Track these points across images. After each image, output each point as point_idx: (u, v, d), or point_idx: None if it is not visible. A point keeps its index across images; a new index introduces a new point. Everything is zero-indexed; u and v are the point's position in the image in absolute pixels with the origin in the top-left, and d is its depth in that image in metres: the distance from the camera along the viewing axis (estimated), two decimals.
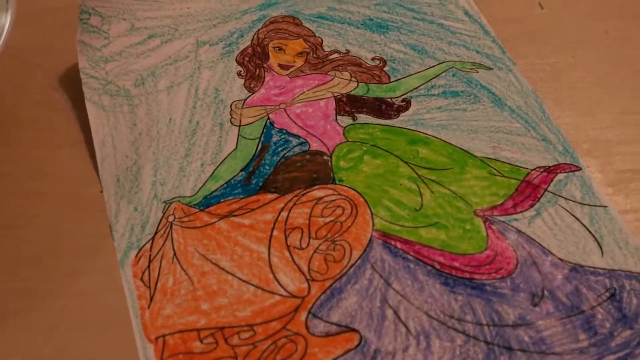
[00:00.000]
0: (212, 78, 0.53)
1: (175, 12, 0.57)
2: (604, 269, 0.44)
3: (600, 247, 0.44)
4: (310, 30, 0.57)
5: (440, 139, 0.50)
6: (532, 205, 0.46)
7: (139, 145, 0.50)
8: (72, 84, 0.53)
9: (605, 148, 0.50)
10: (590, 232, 0.45)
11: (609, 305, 0.42)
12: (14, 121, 0.52)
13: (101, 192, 0.47)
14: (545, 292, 0.42)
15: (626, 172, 0.49)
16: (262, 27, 0.57)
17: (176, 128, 0.51)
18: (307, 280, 0.43)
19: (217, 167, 0.48)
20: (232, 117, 0.51)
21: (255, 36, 0.56)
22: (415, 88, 0.53)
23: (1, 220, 0.46)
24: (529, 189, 0.47)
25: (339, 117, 0.51)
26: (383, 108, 0.52)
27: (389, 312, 0.42)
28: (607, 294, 0.42)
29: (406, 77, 0.54)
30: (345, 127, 0.51)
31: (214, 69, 0.54)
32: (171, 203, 0.47)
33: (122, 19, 0.56)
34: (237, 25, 0.57)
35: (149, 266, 0.44)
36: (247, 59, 0.55)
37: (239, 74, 0.54)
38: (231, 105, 0.52)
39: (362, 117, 0.51)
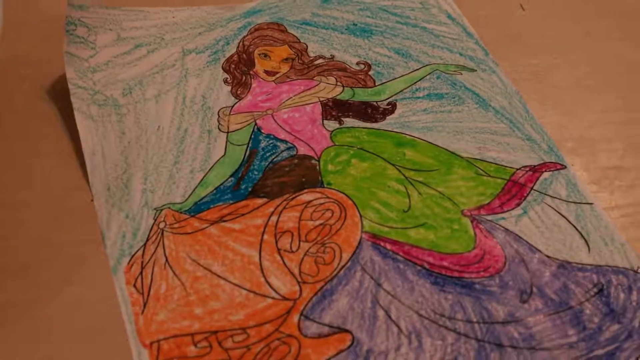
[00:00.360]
0: (199, 86, 0.54)
1: (160, 21, 0.58)
2: (591, 265, 0.44)
3: (587, 244, 0.45)
4: (295, 36, 0.58)
5: (426, 140, 0.51)
6: (518, 204, 0.47)
7: (128, 154, 0.50)
8: (59, 94, 0.53)
9: (589, 146, 0.51)
10: (576, 229, 0.46)
11: (597, 300, 0.43)
12: (0, 132, 0.52)
13: (91, 200, 0.48)
14: (534, 289, 0.43)
15: (610, 170, 0.49)
16: (247, 35, 0.58)
17: (165, 136, 0.51)
18: (299, 282, 0.43)
19: (207, 174, 0.49)
20: (220, 123, 0.52)
21: (241, 43, 0.57)
22: (400, 91, 0.54)
23: None
24: (515, 188, 0.48)
25: (325, 122, 0.52)
26: (369, 112, 0.52)
27: (381, 312, 0.42)
28: (595, 290, 0.43)
29: (391, 80, 0.54)
30: (332, 131, 0.51)
31: (201, 76, 0.54)
32: (162, 210, 0.47)
33: (108, 30, 0.56)
34: (223, 33, 0.58)
35: (141, 273, 0.44)
36: (233, 66, 0.55)
37: (225, 81, 0.54)
38: (219, 112, 0.52)
39: (349, 121, 0.52)
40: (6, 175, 0.49)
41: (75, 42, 0.54)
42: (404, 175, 0.48)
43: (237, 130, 0.51)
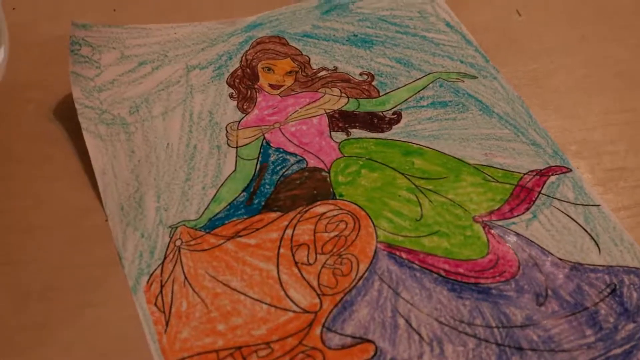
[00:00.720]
0: (205, 101, 0.54)
1: (163, 38, 0.58)
2: (602, 265, 0.45)
3: (597, 245, 0.46)
4: (297, 49, 0.58)
5: (433, 148, 0.51)
6: (528, 209, 0.48)
7: (139, 172, 0.50)
8: (66, 115, 0.53)
9: (593, 148, 0.52)
10: (586, 231, 0.47)
11: (611, 300, 0.44)
12: (9, 156, 0.52)
13: (106, 220, 0.48)
14: (549, 292, 0.44)
15: (615, 171, 0.50)
16: (249, 49, 0.58)
17: (174, 153, 0.51)
18: (318, 295, 0.44)
19: (219, 189, 0.49)
20: (228, 139, 0.52)
21: (244, 58, 0.57)
22: (404, 100, 0.54)
23: (4, 256, 0.47)
24: (524, 193, 0.49)
25: (333, 133, 0.52)
26: (375, 122, 0.53)
27: (401, 321, 0.43)
28: (608, 290, 0.44)
29: (395, 90, 0.55)
30: (340, 143, 0.52)
31: (206, 92, 0.55)
32: (177, 227, 0.47)
33: (112, 48, 0.56)
34: (225, 47, 0.58)
35: (161, 291, 0.44)
36: (237, 80, 0.56)
37: (231, 96, 0.55)
38: (226, 127, 0.53)
39: (356, 132, 0.53)
40: (19, 199, 0.49)
41: (80, 61, 0.55)
42: (414, 184, 0.49)
43: (246, 144, 0.52)
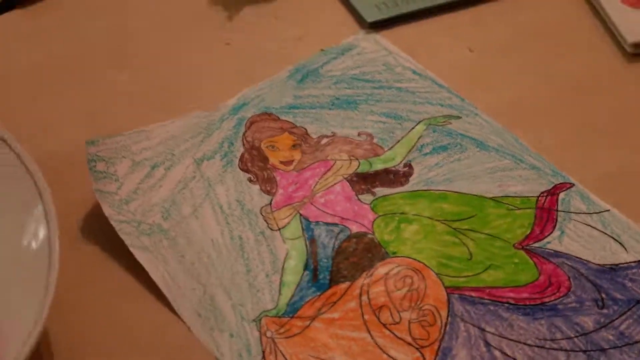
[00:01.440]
0: (229, 192, 0.56)
1: (161, 136, 0.59)
2: (634, 262, 0.52)
3: (622, 245, 0.53)
4: (290, 122, 0.61)
5: (453, 191, 0.57)
6: (554, 227, 0.54)
7: (198, 275, 0.51)
8: (107, 236, 0.53)
9: (581, 160, 0.59)
10: (607, 235, 0.54)
11: None
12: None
13: (189, 330, 0.49)
14: (603, 295, 0.51)
15: (607, 176, 0.58)
16: (245, 131, 0.60)
17: (223, 248, 0.53)
18: (417, 349, 0.48)
19: (282, 275, 0.52)
20: (268, 223, 0.54)
21: (244, 140, 0.60)
22: (408, 152, 0.59)
23: None
24: (545, 214, 0.55)
25: (360, 196, 0.56)
26: (392, 177, 0.58)
27: (497, 353, 0.48)
28: None
29: (396, 144, 0.60)
30: (371, 203, 0.56)
31: (224, 182, 0.57)
32: (260, 320, 0.49)
33: (122, 157, 0.57)
34: (222, 134, 0.60)
35: None
36: (249, 164, 0.58)
37: (250, 181, 0.57)
38: (261, 212, 0.55)
39: (379, 190, 0.57)
40: (99, 326, 0.49)
41: (99, 177, 0.55)
42: (452, 228, 0.54)
43: (286, 225, 0.54)
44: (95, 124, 0.61)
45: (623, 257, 0.53)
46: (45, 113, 0.63)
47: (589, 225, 0.55)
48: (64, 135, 0.61)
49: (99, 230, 0.54)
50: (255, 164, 0.58)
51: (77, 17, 0.71)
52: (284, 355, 0.48)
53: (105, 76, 0.66)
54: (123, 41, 0.69)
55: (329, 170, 0.58)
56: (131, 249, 0.52)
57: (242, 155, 0.59)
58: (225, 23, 0.70)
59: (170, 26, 0.70)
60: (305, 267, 0.52)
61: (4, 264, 0.47)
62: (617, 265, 0.52)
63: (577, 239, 0.54)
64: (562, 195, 0.56)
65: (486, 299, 0.50)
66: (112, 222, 0.53)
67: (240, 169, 0.58)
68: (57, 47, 0.68)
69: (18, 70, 0.67)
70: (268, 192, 0.57)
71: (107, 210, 0.53)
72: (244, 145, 0.59)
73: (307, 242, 0.53)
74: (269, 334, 0.49)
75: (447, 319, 0.49)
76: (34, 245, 0.46)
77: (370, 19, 0.69)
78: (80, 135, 0.59)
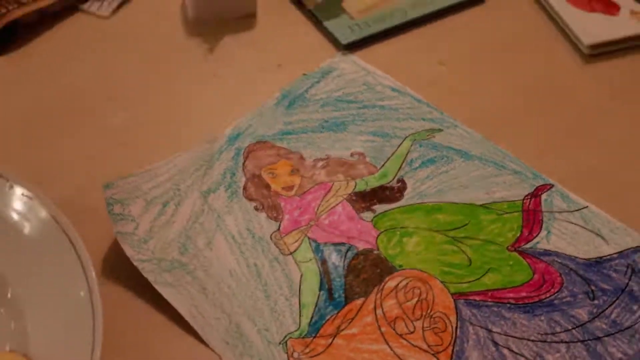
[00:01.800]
0: (237, 221, 0.60)
1: (168, 173, 0.62)
2: (615, 253, 0.58)
3: (603, 239, 0.59)
4: (285, 148, 0.65)
5: (445, 201, 0.61)
6: (541, 227, 0.59)
7: (221, 304, 0.55)
8: (131, 275, 0.56)
9: (556, 161, 0.64)
10: (589, 230, 0.59)
11: (636, 277, 0.56)
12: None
13: (221, 359, 0.52)
14: (592, 287, 0.56)
15: (581, 174, 0.63)
16: (244, 160, 0.64)
17: (242, 276, 0.56)
18: (434, 355, 0.52)
19: (300, 297, 0.55)
20: (279, 248, 0.58)
21: (245, 170, 0.63)
22: (399, 168, 0.63)
23: None
24: (531, 215, 0.60)
25: (361, 214, 0.60)
26: (388, 194, 0.62)
27: (505, 351, 0.52)
28: (630, 271, 0.57)
29: (387, 161, 0.64)
30: (372, 220, 0.60)
31: (232, 212, 0.60)
32: (286, 342, 0.53)
33: (135, 198, 0.59)
34: (223, 165, 0.63)
35: None
36: (253, 193, 0.61)
37: (256, 209, 0.60)
38: (271, 238, 0.59)
39: (378, 207, 0.61)
40: None
41: (117, 219, 0.58)
42: (449, 237, 0.59)
43: (297, 249, 0.58)
44: (96, 168, 0.64)
45: (605, 250, 0.58)
46: (44, 160, 0.65)
47: (572, 223, 0.60)
48: (66, 181, 0.63)
49: (121, 269, 0.57)
50: (259, 192, 0.62)
51: (62, 61, 0.73)
52: None
53: (98, 118, 0.68)
54: (112, 81, 0.71)
55: (328, 192, 0.62)
56: (155, 286, 0.55)
57: (245, 185, 0.62)
58: (208, 55, 0.73)
59: (156, 62, 0.73)
60: (320, 288, 0.56)
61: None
62: (601, 258, 0.58)
63: (562, 237, 0.59)
64: (544, 196, 0.61)
65: (489, 301, 0.55)
66: (135, 262, 0.56)
67: (245, 198, 0.61)
68: (46, 93, 0.70)
69: (9, 117, 0.68)
70: (275, 219, 0.60)
71: (128, 251, 0.56)
72: (245, 174, 0.63)
73: (319, 264, 0.57)
74: (295, 355, 0.53)
75: (456, 323, 0.54)
76: (82, 293, 0.49)
77: (345, 40, 0.73)
78: (82, 181, 0.62)
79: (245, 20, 0.76)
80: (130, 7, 0.78)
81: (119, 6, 0.77)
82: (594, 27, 0.74)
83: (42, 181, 0.61)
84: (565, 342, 0.53)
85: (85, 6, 0.77)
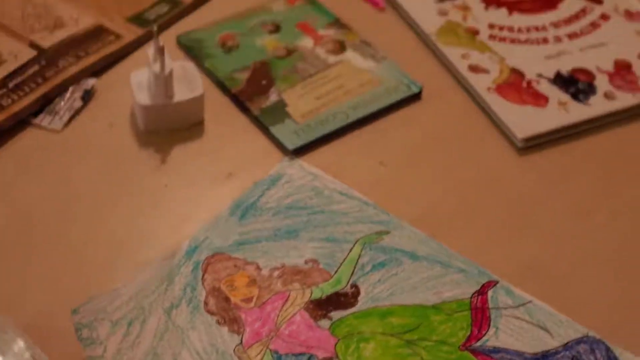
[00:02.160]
0: (201, 337, 0.62)
1: (130, 292, 0.64)
2: (560, 345, 0.62)
3: (548, 332, 0.63)
4: (241, 259, 0.67)
5: (397, 304, 0.64)
6: (489, 325, 0.63)
7: None
8: None
9: (497, 255, 0.68)
10: (534, 324, 0.63)
11: None
12: None
13: None
14: None
15: (523, 268, 0.67)
16: (203, 274, 0.66)
17: None
18: None
19: None
20: None
21: (205, 284, 0.65)
22: (352, 273, 0.66)
23: None
24: (479, 313, 0.64)
25: (318, 322, 0.63)
26: (342, 300, 0.65)
27: None
28: None
29: (339, 267, 0.67)
30: (329, 328, 0.62)
31: (196, 328, 0.62)
32: None
33: (101, 320, 0.61)
34: (182, 280, 0.65)
35: None
36: (214, 307, 0.64)
37: (218, 323, 0.63)
38: (234, 351, 0.61)
39: (334, 314, 0.64)
40: None
41: (87, 344, 0.60)
42: (404, 340, 0.62)
43: None
44: (58, 290, 0.65)
45: (550, 343, 0.62)
46: (4, 286, 0.66)
47: (518, 318, 0.64)
48: (31, 305, 0.64)
49: None
50: (220, 306, 0.64)
51: (13, 178, 0.74)
52: None
53: (55, 237, 0.69)
54: (66, 197, 0.72)
55: (286, 301, 0.64)
56: None
57: (206, 299, 0.64)
58: (160, 165, 0.75)
59: (109, 174, 0.74)
60: None
61: None
62: (547, 351, 0.61)
63: (510, 333, 0.62)
64: (490, 293, 0.65)
65: None
66: None
67: (207, 312, 0.63)
68: None
69: None
70: (237, 332, 0.62)
71: None
72: (205, 288, 0.65)
73: None
74: None
75: None
76: None
77: (291, 146, 0.76)
78: (45, 305, 0.63)
79: (194, 128, 0.79)
80: (81, 119, 0.80)
81: (70, 119, 0.79)
82: (526, 121, 0.79)
83: (4, 308, 0.63)
84: None
85: (37, 120, 0.79)
